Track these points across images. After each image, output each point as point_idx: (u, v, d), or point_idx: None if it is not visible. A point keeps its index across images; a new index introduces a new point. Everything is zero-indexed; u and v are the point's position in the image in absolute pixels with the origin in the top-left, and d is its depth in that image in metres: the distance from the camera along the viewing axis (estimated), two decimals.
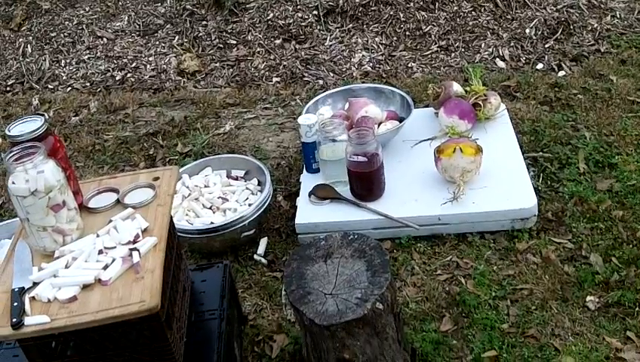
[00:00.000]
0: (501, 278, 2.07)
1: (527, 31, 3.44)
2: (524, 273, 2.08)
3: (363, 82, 3.19)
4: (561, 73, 3.15)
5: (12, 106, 3.45)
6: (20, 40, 3.90)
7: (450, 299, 2.02)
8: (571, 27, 3.43)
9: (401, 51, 3.46)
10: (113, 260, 1.45)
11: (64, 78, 3.65)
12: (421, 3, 3.63)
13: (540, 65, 3.23)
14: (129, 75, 3.59)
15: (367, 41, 3.53)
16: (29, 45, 3.86)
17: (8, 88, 3.66)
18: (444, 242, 2.22)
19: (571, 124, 2.70)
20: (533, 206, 2.20)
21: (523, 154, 2.45)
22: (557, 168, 2.47)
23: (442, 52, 3.42)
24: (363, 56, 3.46)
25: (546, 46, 3.35)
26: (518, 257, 2.13)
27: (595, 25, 3.44)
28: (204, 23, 3.77)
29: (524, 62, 3.28)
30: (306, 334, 1.63)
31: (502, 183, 2.29)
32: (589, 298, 1.97)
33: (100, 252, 1.48)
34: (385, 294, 1.56)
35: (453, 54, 3.39)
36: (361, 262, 1.64)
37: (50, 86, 3.62)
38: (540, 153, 2.55)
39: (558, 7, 3.56)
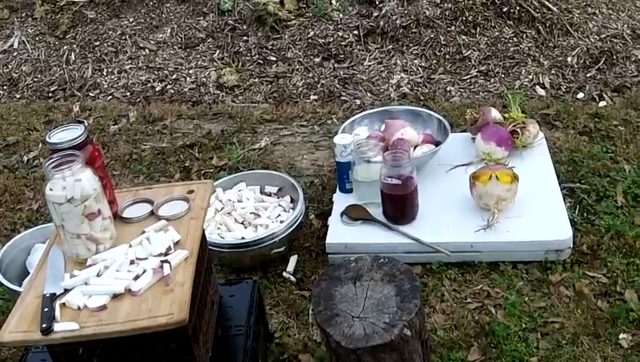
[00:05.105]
0: (532, 310, 2.03)
1: (569, 59, 3.41)
2: (556, 306, 2.04)
3: (400, 104, 3.19)
4: (602, 103, 3.11)
5: (53, 112, 3.50)
6: (65, 47, 3.98)
7: (479, 328, 1.99)
8: (614, 57, 3.38)
9: (440, 74, 3.45)
10: (144, 271, 1.45)
11: (105, 86, 3.71)
12: (462, 27, 3.62)
13: (580, 95, 3.19)
14: (169, 86, 3.64)
15: (407, 62, 3.53)
16: (72, 53, 3.93)
17: (50, 94, 3.72)
18: (475, 270, 2.20)
19: (610, 156, 2.66)
20: (569, 238, 2.17)
21: (560, 184, 2.41)
22: (594, 200, 2.43)
23: (482, 77, 3.41)
24: (401, 77, 3.45)
25: (588, 75, 3.31)
26: (551, 289, 2.10)
27: (639, 55, 3.40)
28: (245, 38, 3.80)
29: (564, 90, 3.24)
30: (331, 356, 1.62)
31: (537, 213, 2.26)
32: (622, 335, 1.92)
33: (132, 262, 1.48)
34: (413, 320, 1.54)
35: (492, 80, 3.37)
36: (391, 287, 1.62)
37: (91, 94, 3.68)
38: (578, 184, 2.51)
39: (602, 36, 3.52)
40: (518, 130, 2.56)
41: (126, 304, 1.39)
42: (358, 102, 3.32)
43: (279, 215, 2.38)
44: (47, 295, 1.41)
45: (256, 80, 3.57)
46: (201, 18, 4.00)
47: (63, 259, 1.53)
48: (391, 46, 3.63)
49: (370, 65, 3.55)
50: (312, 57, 3.63)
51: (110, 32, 4.01)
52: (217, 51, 3.78)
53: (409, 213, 2.28)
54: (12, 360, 2.04)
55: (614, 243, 2.23)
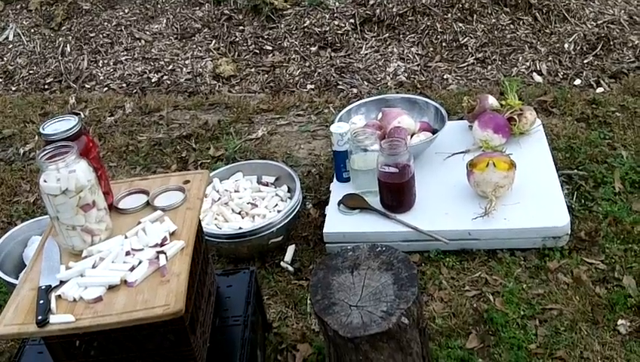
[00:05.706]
0: (530, 297, 2.03)
1: (566, 46, 3.39)
2: (554, 293, 2.04)
3: (397, 92, 3.18)
4: (600, 90, 3.10)
5: (49, 104, 3.49)
6: (60, 39, 3.96)
7: (477, 316, 1.99)
8: (611, 43, 3.37)
9: (436, 62, 3.44)
10: (140, 262, 1.45)
11: (101, 78, 3.70)
12: (459, 14, 3.61)
13: (577, 81, 3.18)
14: (165, 77, 3.62)
15: (403, 51, 3.52)
16: (68, 45, 3.92)
17: (46, 86, 3.71)
18: (473, 257, 2.19)
19: (608, 142, 2.66)
20: (566, 224, 2.16)
21: (557, 171, 2.40)
22: (592, 187, 2.42)
23: (479, 64, 3.39)
24: (398, 66, 3.44)
25: (585, 62, 3.30)
26: (549, 276, 2.09)
27: (636, 41, 3.38)
28: (241, 28, 3.79)
29: (561, 77, 3.23)
30: (329, 345, 1.62)
31: (535, 200, 2.25)
32: (620, 321, 1.92)
33: (128, 253, 1.48)
34: (411, 308, 1.53)
35: (489, 67, 3.36)
36: (388, 275, 1.62)
37: (87, 85, 3.67)
38: (575, 171, 2.50)
39: (599, 22, 3.50)
40: (515, 117, 2.55)
41: (122, 295, 1.38)
42: (354, 90, 3.31)
43: (276, 205, 2.37)
44: (43, 287, 1.40)
45: (253, 70, 3.56)
46: (197, 8, 3.99)
47: (59, 250, 1.52)
48: (387, 34, 3.62)
49: (366, 54, 3.54)
50: (308, 46, 3.62)
51: (105, 23, 4.00)
52: (213, 41, 3.77)
53: (406, 202, 2.28)
54: (9, 353, 2.04)
55: (612, 230, 2.23)
